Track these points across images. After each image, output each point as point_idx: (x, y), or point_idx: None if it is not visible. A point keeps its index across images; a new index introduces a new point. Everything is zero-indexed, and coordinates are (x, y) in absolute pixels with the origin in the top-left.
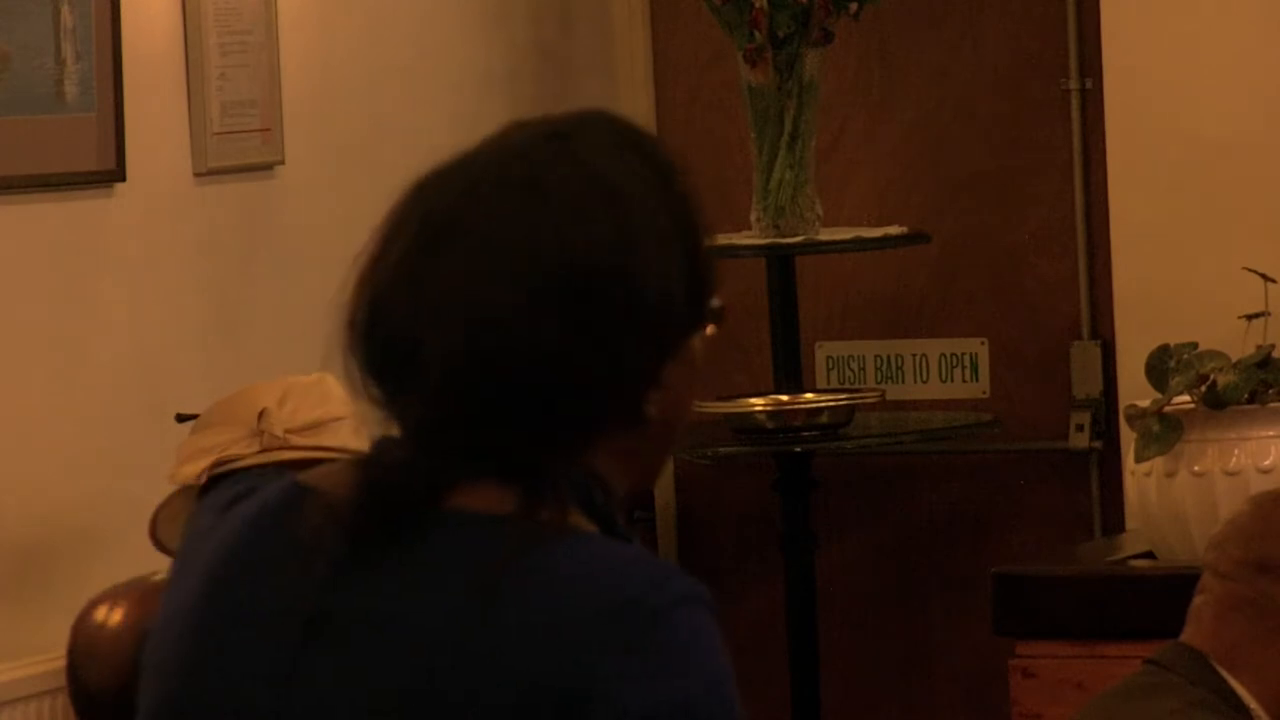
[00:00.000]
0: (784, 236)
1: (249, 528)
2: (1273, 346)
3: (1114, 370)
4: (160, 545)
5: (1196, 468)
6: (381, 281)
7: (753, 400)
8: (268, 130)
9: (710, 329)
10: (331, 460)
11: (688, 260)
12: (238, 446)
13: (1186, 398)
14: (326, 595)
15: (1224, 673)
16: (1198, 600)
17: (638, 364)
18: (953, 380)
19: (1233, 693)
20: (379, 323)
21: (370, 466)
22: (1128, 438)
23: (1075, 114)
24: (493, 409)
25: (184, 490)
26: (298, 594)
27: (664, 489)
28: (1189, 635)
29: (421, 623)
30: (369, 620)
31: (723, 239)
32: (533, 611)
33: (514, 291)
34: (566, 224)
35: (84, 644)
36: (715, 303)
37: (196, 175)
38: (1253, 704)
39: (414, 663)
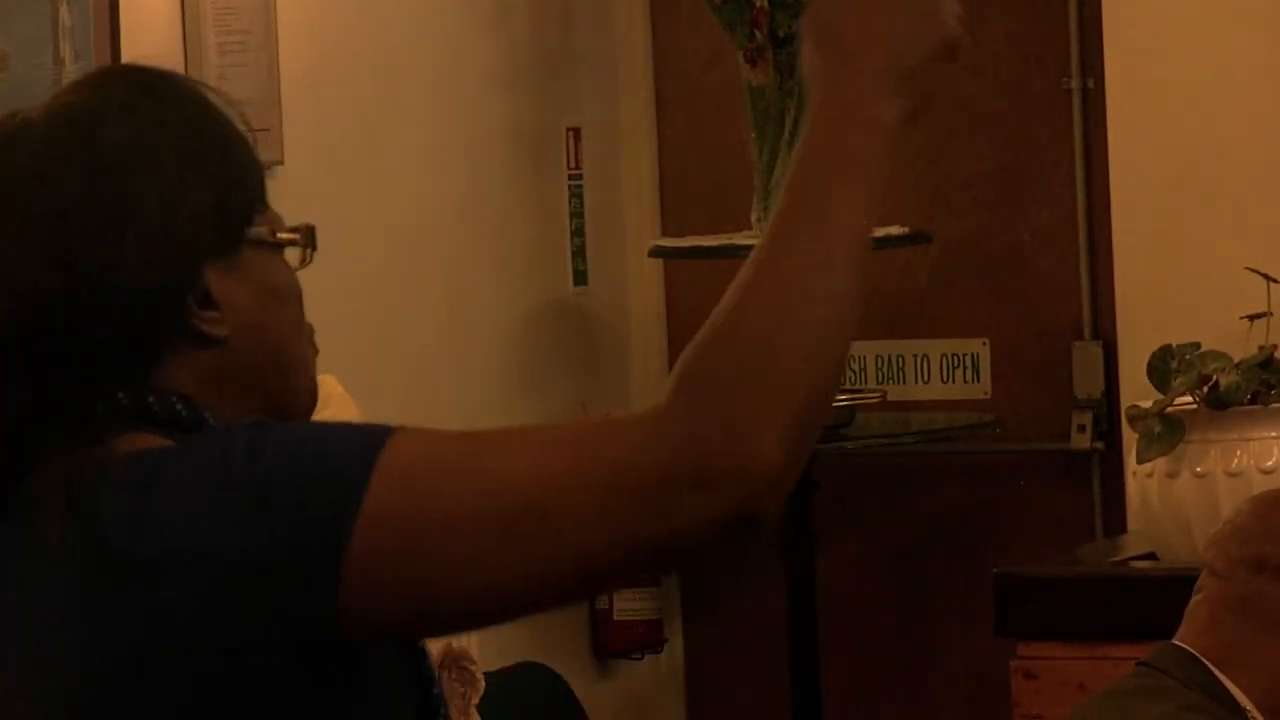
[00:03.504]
0: None
1: None
2: (1275, 347)
3: (1115, 371)
4: None
5: (1198, 468)
6: None
7: None
8: (267, 130)
9: (290, 252)
10: None
11: (206, 182)
12: None
13: (1188, 398)
14: None
15: (1218, 673)
16: (1195, 599)
17: (146, 279)
18: (954, 381)
19: (1228, 694)
20: None
21: None
22: (1129, 438)
23: (1077, 113)
24: (24, 357)
25: None
26: None
27: None
28: (1183, 635)
29: (39, 598)
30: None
31: (723, 239)
32: (140, 526)
33: (1, 240)
34: (38, 162)
35: None
36: (303, 225)
37: None
38: (1247, 704)
39: (54, 640)
